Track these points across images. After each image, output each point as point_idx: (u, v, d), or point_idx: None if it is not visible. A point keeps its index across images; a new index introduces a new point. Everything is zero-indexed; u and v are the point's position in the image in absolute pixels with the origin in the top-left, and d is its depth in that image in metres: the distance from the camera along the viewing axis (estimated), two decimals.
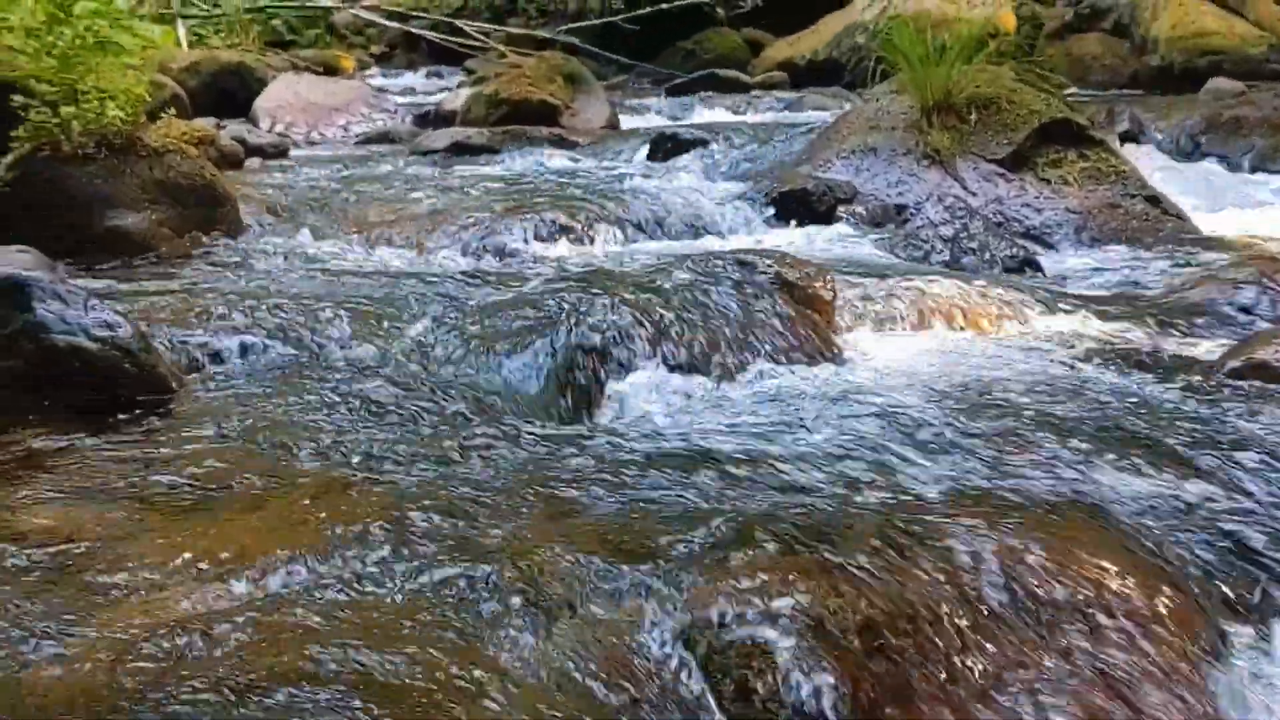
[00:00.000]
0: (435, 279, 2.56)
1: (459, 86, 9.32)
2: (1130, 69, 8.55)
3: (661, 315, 1.97)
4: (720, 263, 2.26)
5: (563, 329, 1.92)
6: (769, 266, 2.25)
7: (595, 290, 2.06)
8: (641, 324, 1.94)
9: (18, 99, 2.91)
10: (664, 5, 8.79)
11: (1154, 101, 6.92)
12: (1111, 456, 1.58)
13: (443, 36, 8.71)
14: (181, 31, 7.62)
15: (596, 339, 1.90)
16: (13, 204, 2.87)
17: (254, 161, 4.97)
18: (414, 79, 10.60)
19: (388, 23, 9.07)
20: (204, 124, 5.40)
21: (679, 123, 6.44)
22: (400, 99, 8.21)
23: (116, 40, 7.08)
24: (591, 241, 3.23)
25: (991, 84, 4.06)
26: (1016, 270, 3.08)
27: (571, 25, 9.32)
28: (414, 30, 9.90)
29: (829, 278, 2.29)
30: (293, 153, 5.44)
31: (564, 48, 9.25)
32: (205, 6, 8.32)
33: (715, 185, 3.92)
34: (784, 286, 2.20)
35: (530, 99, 5.92)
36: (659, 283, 2.11)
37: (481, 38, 8.35)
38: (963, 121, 4.01)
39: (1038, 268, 3.11)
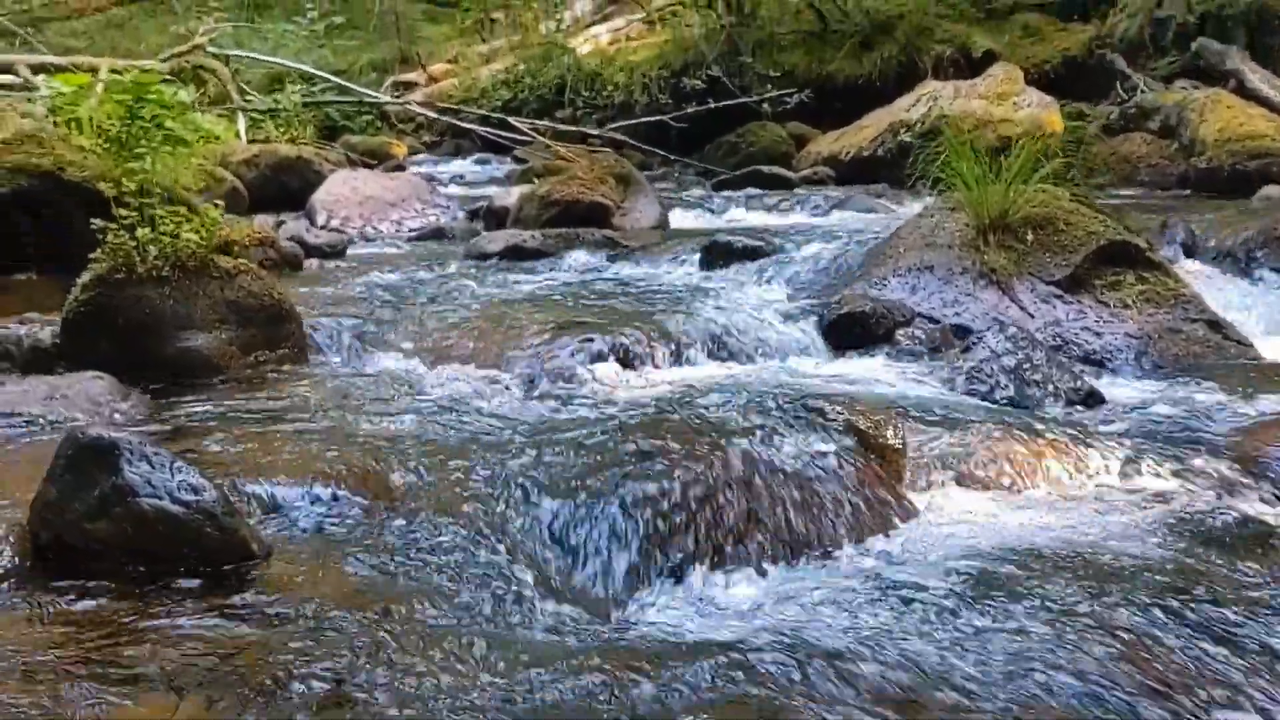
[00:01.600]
0: (497, 416, 2.57)
1: (508, 176, 9.51)
2: (1178, 170, 8.52)
3: (723, 499, 1.95)
4: (789, 409, 2.25)
5: (615, 507, 1.91)
6: (839, 414, 2.23)
7: (651, 452, 2.04)
8: (699, 509, 1.92)
9: (98, 221, 2.99)
10: (710, 105, 8.94)
11: (1205, 208, 6.88)
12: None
13: (493, 131, 8.89)
14: (241, 125, 7.85)
15: (650, 528, 1.88)
16: (88, 323, 2.93)
17: (312, 263, 5.06)
18: (463, 165, 10.82)
19: (440, 116, 9.29)
20: (264, 222, 5.53)
21: (728, 223, 6.50)
22: (452, 189, 8.38)
23: (181, 134, 7.32)
24: (652, 364, 3.23)
25: (1048, 204, 4.06)
26: (1080, 403, 3.04)
27: (619, 124, 9.50)
28: (465, 125, 10.12)
29: (899, 426, 2.27)
30: (350, 251, 5.54)
31: (610, 142, 9.44)
32: (264, 99, 8.57)
33: (771, 299, 3.93)
34: (856, 439, 2.18)
35: (582, 200, 6.00)
36: (722, 446, 2.09)
37: (532, 134, 8.52)
38: (1019, 241, 4.01)
39: (1101, 401, 3.07)
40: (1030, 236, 4.00)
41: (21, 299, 4.27)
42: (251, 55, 9.39)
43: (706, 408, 2.45)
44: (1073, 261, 3.92)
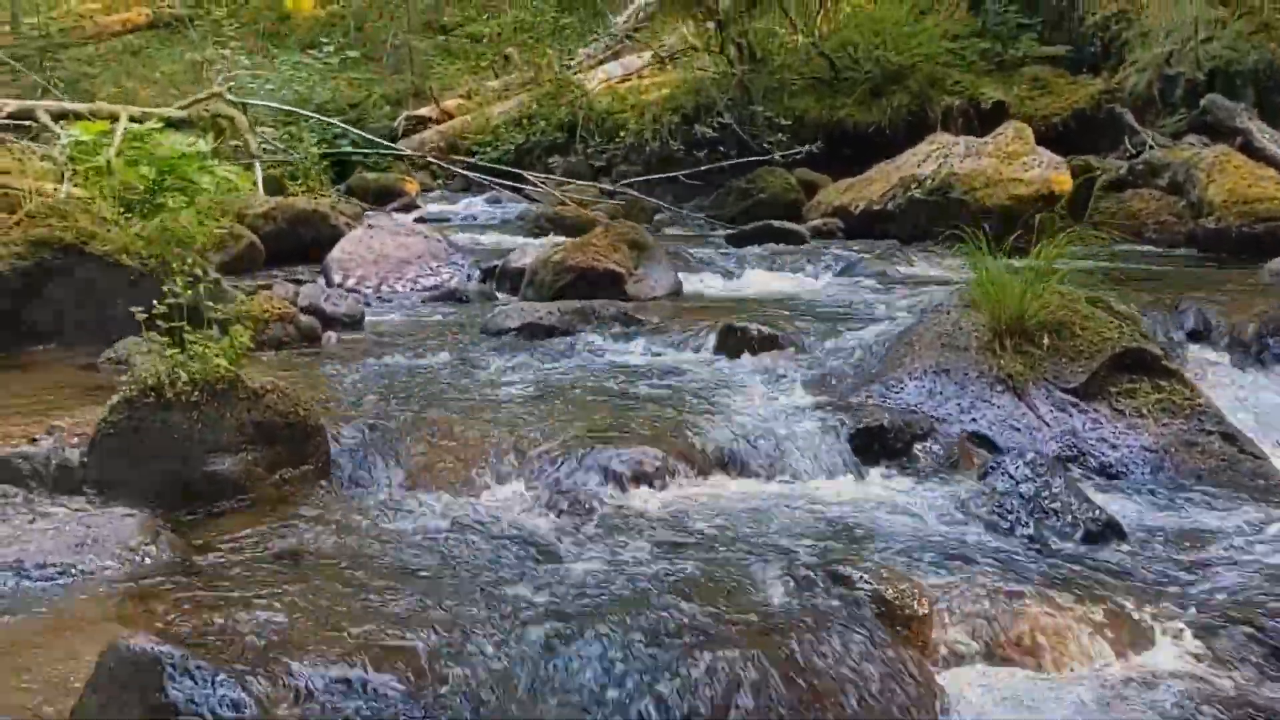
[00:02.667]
0: (519, 566, 2.59)
1: (520, 219, 9.54)
2: (1186, 228, 8.55)
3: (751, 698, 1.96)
4: (816, 578, 2.27)
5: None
6: (866, 584, 2.26)
7: (675, 631, 2.06)
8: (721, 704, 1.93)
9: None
10: (722, 165, 9.01)
11: (1214, 277, 6.91)
12: None
13: (507, 184, 8.95)
14: (259, 174, 7.90)
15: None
16: (116, 446, 2.96)
17: (331, 336, 5.09)
18: (475, 204, 10.87)
19: (455, 169, 9.34)
20: (281, 291, 5.56)
21: (741, 290, 6.53)
22: (465, 237, 8.41)
23: (197, 181, 7.36)
24: (670, 480, 3.26)
25: (1064, 307, 4.09)
26: (1099, 535, 3.06)
27: (630, 179, 9.55)
28: (475, 177, 10.17)
29: (925, 594, 2.29)
30: (367, 318, 5.57)
31: (616, 187, 9.50)
32: (280, 143, 8.62)
33: (790, 402, 3.95)
34: (882, 610, 2.20)
35: (596, 268, 6.04)
36: (749, 629, 2.10)
37: (544, 187, 8.58)
38: (1035, 345, 4.03)
39: (1120, 533, 3.09)
40: (1046, 341, 4.03)
41: (44, 378, 4.32)
42: (269, 104, 9.45)
43: (729, 562, 2.48)
44: (1089, 368, 3.95)
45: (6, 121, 8.48)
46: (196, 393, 2.96)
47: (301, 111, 9.41)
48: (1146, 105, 9.70)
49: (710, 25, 10.82)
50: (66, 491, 2.90)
